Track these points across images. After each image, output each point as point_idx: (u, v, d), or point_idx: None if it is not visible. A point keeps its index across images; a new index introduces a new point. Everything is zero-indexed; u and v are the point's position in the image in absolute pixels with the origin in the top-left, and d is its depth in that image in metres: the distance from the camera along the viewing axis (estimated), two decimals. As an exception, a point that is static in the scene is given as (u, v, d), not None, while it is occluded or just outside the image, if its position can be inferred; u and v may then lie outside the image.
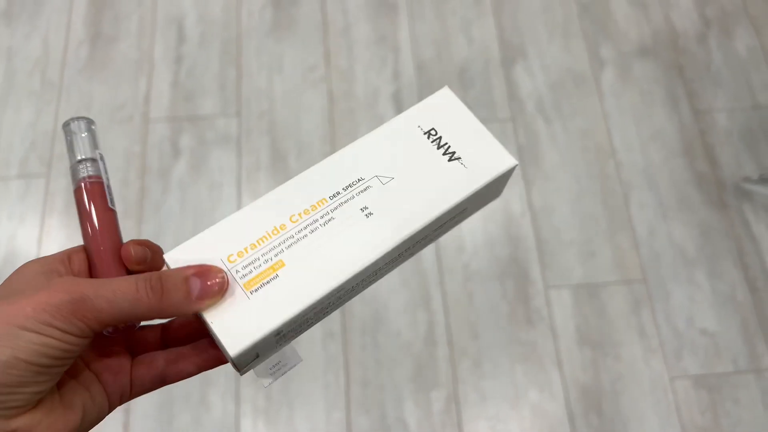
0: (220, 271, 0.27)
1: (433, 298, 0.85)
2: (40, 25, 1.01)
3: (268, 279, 0.28)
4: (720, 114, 0.96)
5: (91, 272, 0.28)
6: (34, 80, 0.97)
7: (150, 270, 0.28)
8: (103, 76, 0.97)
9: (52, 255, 0.28)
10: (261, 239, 0.29)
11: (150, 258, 0.28)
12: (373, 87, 0.97)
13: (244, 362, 0.27)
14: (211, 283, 0.26)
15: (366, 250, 0.29)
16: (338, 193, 0.30)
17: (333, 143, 0.93)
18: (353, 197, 0.30)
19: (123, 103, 0.95)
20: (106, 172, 0.30)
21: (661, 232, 0.89)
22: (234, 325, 0.26)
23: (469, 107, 0.33)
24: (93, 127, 0.31)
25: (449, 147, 0.31)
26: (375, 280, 0.31)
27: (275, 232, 0.29)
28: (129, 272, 0.28)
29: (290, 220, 0.29)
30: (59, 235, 0.87)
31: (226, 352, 0.26)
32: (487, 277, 0.86)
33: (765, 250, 0.88)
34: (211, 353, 0.29)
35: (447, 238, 0.87)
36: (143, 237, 0.28)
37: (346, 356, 0.82)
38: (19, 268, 0.27)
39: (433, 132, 0.32)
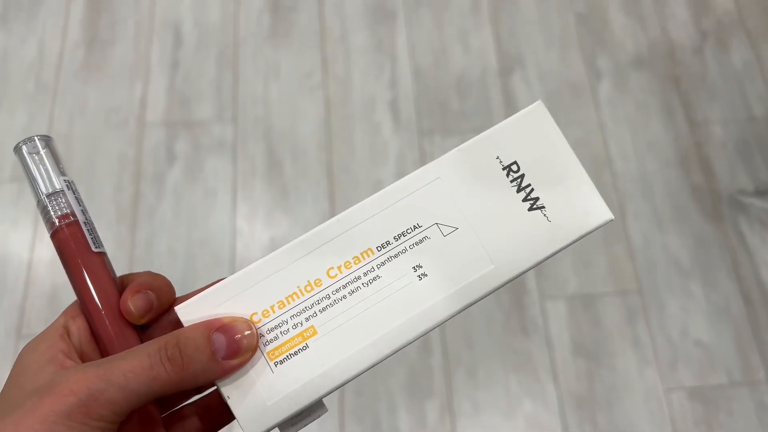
0: (246, 322, 0.23)
1: (427, 307, 0.84)
2: (36, 28, 1.00)
3: (295, 349, 0.24)
4: (715, 126, 0.96)
5: (95, 336, 0.25)
6: (29, 83, 0.96)
7: (159, 312, 0.25)
8: (98, 80, 0.97)
9: (51, 331, 0.24)
10: (291, 296, 0.24)
11: (156, 301, 0.25)
12: (370, 94, 0.96)
13: None
14: (239, 338, 0.23)
15: (414, 322, 0.24)
16: (388, 243, 0.25)
17: (329, 150, 0.92)
18: (405, 250, 0.25)
19: (118, 107, 0.95)
20: (80, 204, 0.25)
21: (656, 242, 0.89)
22: (253, 403, 0.23)
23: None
24: (52, 146, 0.25)
25: (532, 190, 0.25)
26: None
27: (308, 288, 0.24)
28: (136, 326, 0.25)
29: (327, 274, 0.24)
30: (52, 239, 0.86)
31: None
32: (483, 287, 0.86)
33: (760, 262, 0.88)
34: None
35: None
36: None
37: (340, 365, 0.81)
38: (20, 357, 0.24)
39: (514, 168, 0.25)
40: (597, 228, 0.25)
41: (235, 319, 0.23)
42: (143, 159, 0.92)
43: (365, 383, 0.80)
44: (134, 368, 0.21)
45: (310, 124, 0.94)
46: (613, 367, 0.82)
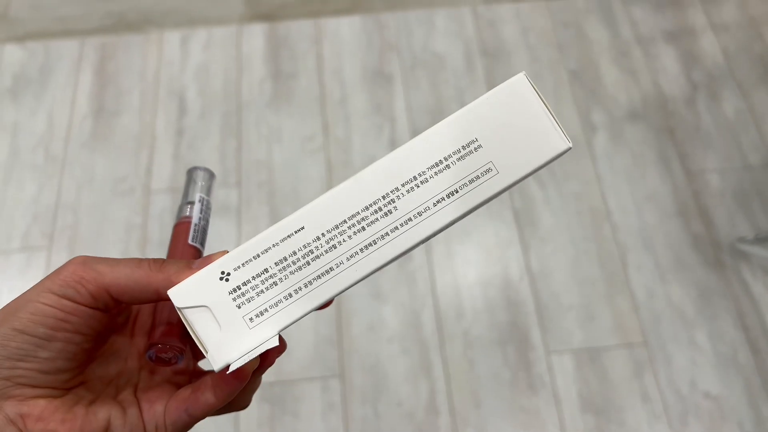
0: (223, 252, 0.26)
1: (434, 366, 0.84)
2: (45, 101, 1.03)
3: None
4: (712, 175, 0.97)
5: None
6: (38, 155, 0.99)
7: None
8: (105, 150, 0.99)
9: None
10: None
11: None
12: (370, 155, 0.98)
13: (202, 326, 0.25)
14: (211, 254, 0.26)
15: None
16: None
17: (331, 211, 0.94)
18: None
19: (125, 176, 0.97)
20: (201, 212, 0.33)
21: (659, 293, 0.89)
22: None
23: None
24: (210, 177, 0.35)
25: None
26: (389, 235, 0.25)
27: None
28: None
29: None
30: (59, 308, 0.87)
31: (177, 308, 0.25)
32: (488, 344, 0.86)
33: (765, 310, 0.88)
34: (230, 376, 0.27)
35: (447, 304, 0.87)
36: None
37: (347, 428, 0.81)
38: None
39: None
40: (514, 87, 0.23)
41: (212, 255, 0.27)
42: (149, 225, 0.93)
43: (373, 446, 0.80)
44: (124, 258, 0.26)
45: (312, 185, 0.96)
46: (623, 423, 0.81)
